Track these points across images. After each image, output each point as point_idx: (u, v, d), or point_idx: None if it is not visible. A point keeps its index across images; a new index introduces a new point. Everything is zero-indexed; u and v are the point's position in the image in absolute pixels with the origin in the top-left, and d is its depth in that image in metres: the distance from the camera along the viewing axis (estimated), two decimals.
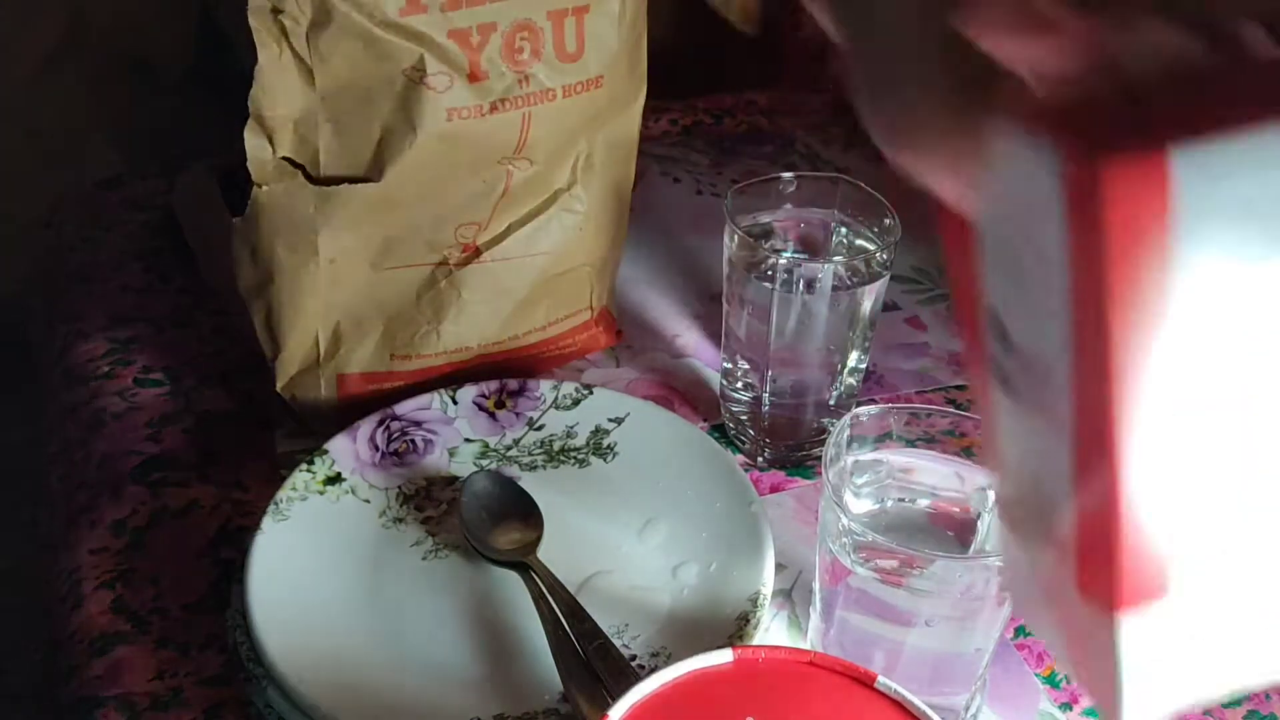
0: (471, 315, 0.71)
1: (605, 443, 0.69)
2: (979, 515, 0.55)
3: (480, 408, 0.70)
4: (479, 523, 0.63)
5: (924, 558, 0.50)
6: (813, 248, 0.70)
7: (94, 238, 0.89)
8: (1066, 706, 0.58)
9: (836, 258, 0.68)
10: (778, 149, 1.00)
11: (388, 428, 0.68)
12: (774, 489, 0.69)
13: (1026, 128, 0.31)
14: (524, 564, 0.60)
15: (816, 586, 0.56)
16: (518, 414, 0.70)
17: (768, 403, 0.68)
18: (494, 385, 0.70)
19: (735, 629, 0.57)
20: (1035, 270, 0.32)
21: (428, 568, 0.63)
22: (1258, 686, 0.35)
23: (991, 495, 0.54)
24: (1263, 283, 0.31)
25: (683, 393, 0.76)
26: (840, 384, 0.68)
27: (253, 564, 0.59)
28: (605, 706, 0.42)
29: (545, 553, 0.61)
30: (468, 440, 0.69)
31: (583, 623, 0.57)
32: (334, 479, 0.65)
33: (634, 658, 0.57)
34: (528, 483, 0.66)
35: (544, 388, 0.70)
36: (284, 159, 0.63)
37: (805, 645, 0.60)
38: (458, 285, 0.69)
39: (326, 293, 0.67)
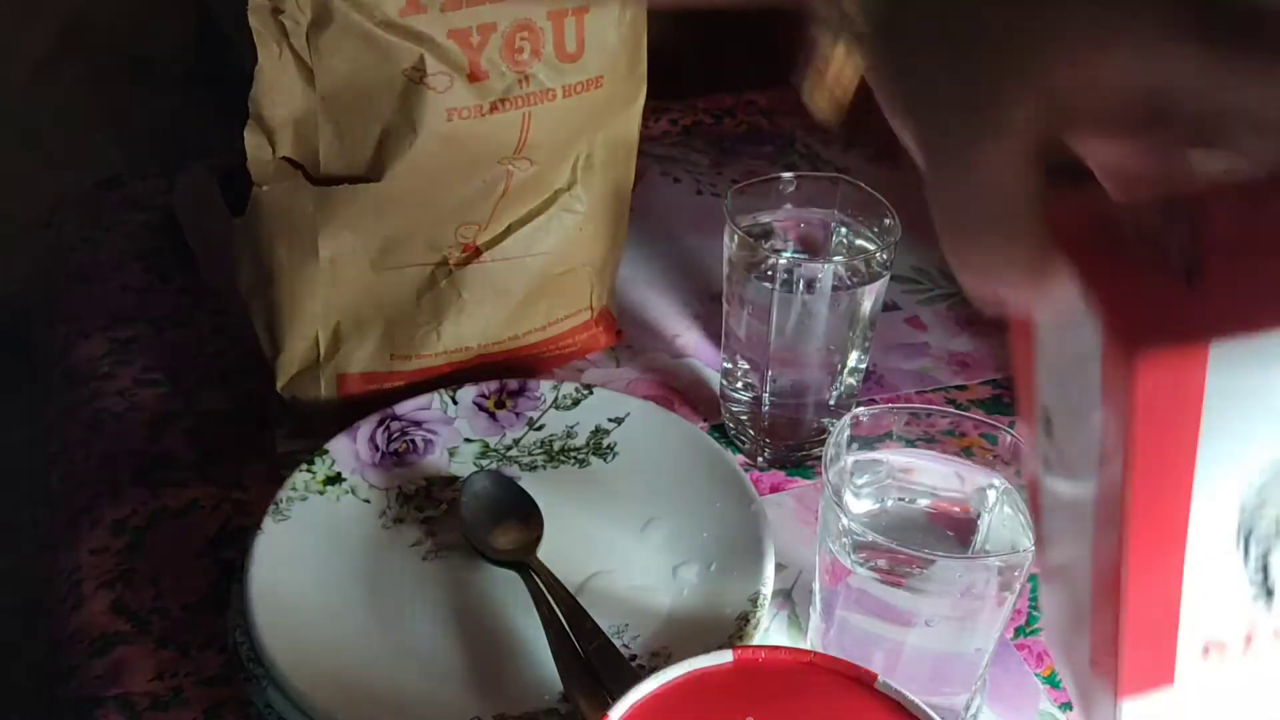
0: (471, 315, 0.71)
1: (605, 443, 0.69)
2: (979, 515, 0.55)
3: (480, 408, 0.70)
4: (479, 523, 0.63)
5: (924, 558, 0.50)
6: (813, 248, 0.69)
7: (94, 238, 0.89)
8: (1066, 707, 0.58)
9: (836, 258, 0.68)
10: (778, 149, 1.00)
11: (388, 428, 0.68)
12: (774, 489, 0.69)
13: (1081, 285, 0.32)
14: (524, 564, 0.60)
15: (816, 586, 0.56)
16: (518, 414, 0.70)
17: (768, 403, 0.68)
18: (494, 385, 0.70)
19: (735, 629, 0.57)
20: (1078, 397, 0.33)
21: (428, 568, 0.63)
22: None
23: (991, 495, 0.54)
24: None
25: (683, 393, 0.76)
26: (840, 384, 0.68)
27: (253, 564, 0.58)
28: (605, 706, 0.42)
29: (545, 553, 0.61)
30: (468, 440, 0.69)
31: (583, 623, 0.57)
32: (334, 479, 0.65)
33: (634, 658, 0.57)
34: (528, 483, 0.66)
35: (544, 388, 0.70)
36: (284, 159, 0.63)
37: (805, 645, 0.60)
38: (458, 285, 0.69)
39: (326, 293, 0.67)
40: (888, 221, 0.67)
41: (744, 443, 0.71)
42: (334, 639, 0.58)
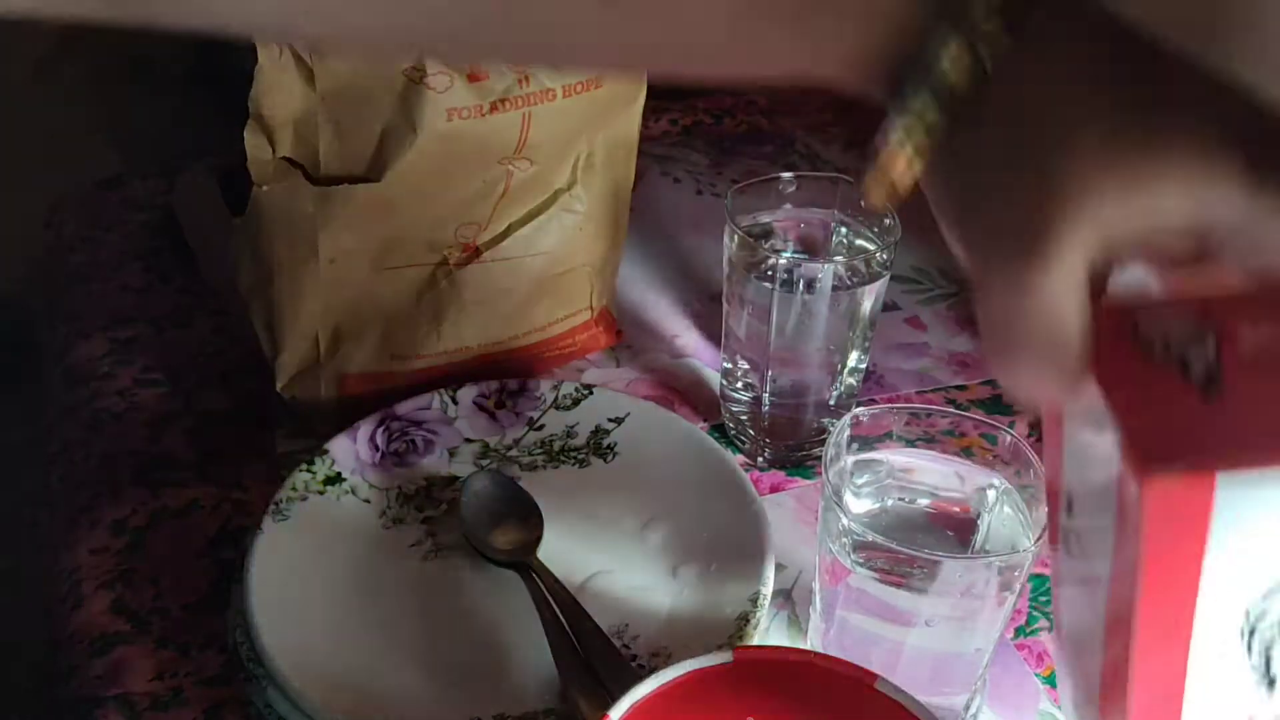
0: (471, 315, 0.71)
1: (605, 443, 0.69)
2: (979, 515, 0.55)
3: (480, 408, 0.70)
4: (479, 523, 0.63)
5: (924, 558, 0.50)
6: (813, 248, 0.69)
7: (94, 238, 0.89)
8: None
9: (836, 258, 0.68)
10: (778, 149, 1.00)
11: (388, 428, 0.68)
12: (774, 489, 0.69)
13: (1102, 394, 0.33)
14: (524, 564, 0.60)
15: (816, 586, 0.56)
16: (518, 414, 0.70)
17: (768, 403, 0.68)
18: (494, 385, 0.70)
19: (735, 629, 0.57)
20: (1099, 491, 0.35)
21: (428, 568, 0.63)
22: None
23: (991, 495, 0.54)
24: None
25: (683, 393, 0.76)
26: (840, 384, 0.68)
27: (253, 564, 0.58)
28: (605, 706, 0.42)
29: (545, 553, 0.61)
30: (468, 440, 0.69)
31: (583, 623, 0.57)
32: (334, 479, 0.65)
33: (634, 658, 0.57)
34: (528, 483, 0.66)
35: (544, 388, 0.70)
36: (284, 159, 0.63)
37: (805, 645, 0.60)
38: (458, 285, 0.69)
39: (326, 293, 0.67)
40: (888, 221, 0.67)
41: (744, 443, 0.71)
42: (334, 639, 0.58)
